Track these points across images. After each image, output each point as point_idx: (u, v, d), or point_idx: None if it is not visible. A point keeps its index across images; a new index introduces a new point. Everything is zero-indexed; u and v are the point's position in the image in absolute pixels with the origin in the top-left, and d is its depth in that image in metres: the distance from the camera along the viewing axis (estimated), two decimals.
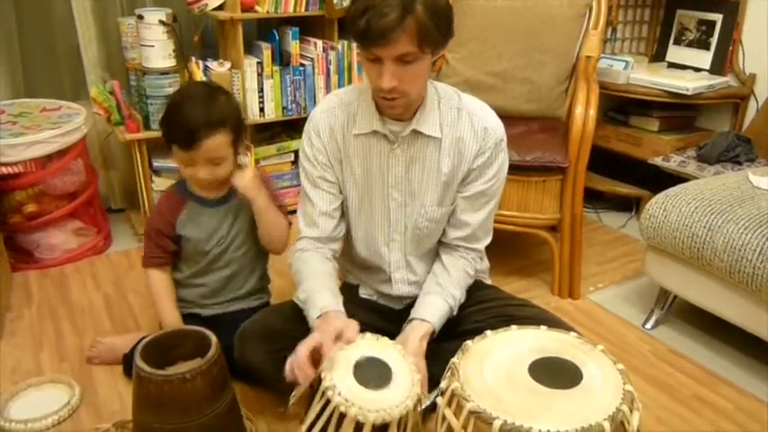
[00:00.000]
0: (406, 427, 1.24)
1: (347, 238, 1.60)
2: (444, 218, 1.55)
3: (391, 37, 1.23)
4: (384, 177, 1.50)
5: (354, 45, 2.76)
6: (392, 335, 1.42)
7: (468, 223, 1.54)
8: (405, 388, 1.24)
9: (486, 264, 1.72)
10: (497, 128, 1.50)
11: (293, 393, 1.36)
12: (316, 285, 1.44)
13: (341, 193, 1.54)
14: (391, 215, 1.53)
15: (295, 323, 1.49)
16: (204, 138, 1.54)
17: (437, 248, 1.62)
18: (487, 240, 1.61)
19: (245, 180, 1.64)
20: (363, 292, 1.67)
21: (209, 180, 1.63)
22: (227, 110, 1.60)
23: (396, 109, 1.40)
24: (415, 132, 1.45)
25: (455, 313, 1.54)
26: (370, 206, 1.54)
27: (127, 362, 1.76)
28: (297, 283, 1.50)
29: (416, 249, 1.58)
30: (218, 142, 1.57)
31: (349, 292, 1.48)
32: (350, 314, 1.40)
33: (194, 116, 1.54)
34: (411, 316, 1.50)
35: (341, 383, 1.20)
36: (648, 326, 2.10)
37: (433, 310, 1.49)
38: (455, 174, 1.49)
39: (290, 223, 1.75)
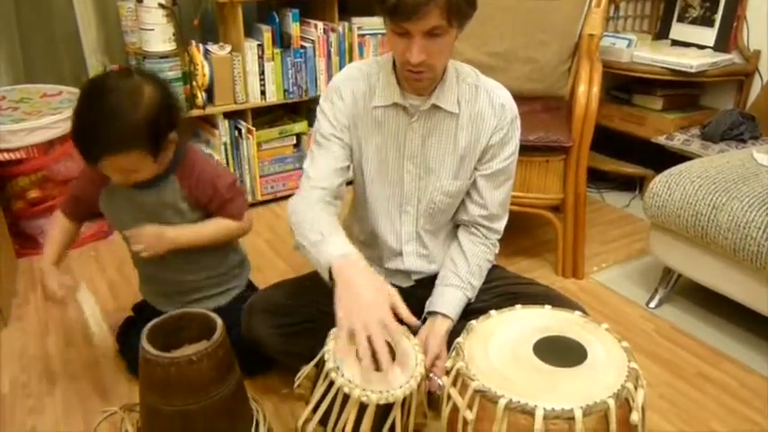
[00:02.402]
0: (411, 407, 1.25)
1: (357, 213, 1.60)
2: (460, 192, 1.56)
3: (422, 11, 1.23)
4: (400, 150, 1.51)
5: (356, 26, 2.75)
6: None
7: (490, 201, 1.55)
8: (408, 368, 1.24)
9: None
10: (513, 105, 1.52)
11: (298, 375, 1.37)
12: (330, 230, 1.37)
13: (350, 158, 1.54)
14: (405, 187, 1.54)
15: (301, 298, 1.52)
16: (105, 160, 1.38)
17: (455, 230, 1.64)
18: (505, 219, 1.62)
19: (147, 245, 1.53)
20: None
21: (126, 186, 1.48)
22: (139, 125, 1.35)
23: (422, 82, 1.40)
24: (434, 107, 1.46)
25: (473, 301, 1.56)
26: (385, 176, 1.54)
27: (119, 337, 1.79)
28: (300, 227, 1.41)
29: (429, 224, 1.59)
30: (123, 162, 1.39)
31: None
32: None
33: (93, 136, 1.34)
34: (433, 308, 1.52)
35: (344, 365, 1.21)
36: (652, 305, 2.10)
37: (454, 303, 1.52)
38: (472, 148, 1.51)
39: (242, 213, 1.65)
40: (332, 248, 1.32)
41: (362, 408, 1.18)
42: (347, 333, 1.19)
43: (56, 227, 1.66)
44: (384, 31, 1.44)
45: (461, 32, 1.36)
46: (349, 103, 1.50)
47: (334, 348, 1.24)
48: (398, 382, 1.20)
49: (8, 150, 2.18)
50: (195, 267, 1.66)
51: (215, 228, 1.62)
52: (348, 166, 1.54)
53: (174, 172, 1.54)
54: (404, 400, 1.21)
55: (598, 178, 2.91)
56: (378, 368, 1.19)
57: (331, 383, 1.21)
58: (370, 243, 1.65)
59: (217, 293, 1.72)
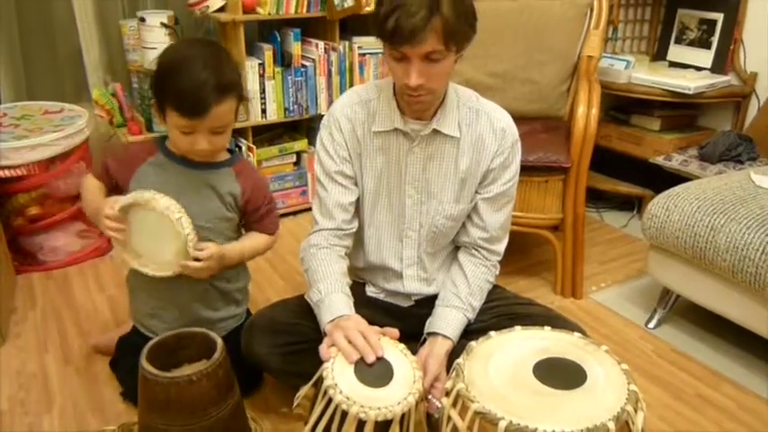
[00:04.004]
0: (409, 425, 1.25)
1: (358, 238, 1.61)
2: (462, 215, 1.57)
3: (420, 36, 1.25)
4: (401, 174, 1.52)
5: (356, 46, 2.77)
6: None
7: (490, 224, 1.56)
8: (407, 385, 1.24)
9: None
10: (514, 129, 1.54)
11: (297, 395, 1.37)
12: (330, 287, 1.44)
13: (356, 186, 1.55)
14: (406, 212, 1.55)
15: (302, 318, 1.52)
16: (214, 105, 1.38)
17: (455, 251, 1.65)
18: (506, 241, 1.63)
19: (209, 267, 1.48)
20: (370, 291, 1.68)
21: (208, 151, 1.46)
22: (236, 72, 1.45)
23: (422, 104, 1.42)
24: (435, 132, 1.47)
25: (472, 322, 1.56)
26: (387, 202, 1.55)
27: (113, 360, 1.79)
28: (308, 280, 1.50)
29: (431, 247, 1.60)
30: (225, 109, 1.42)
31: (356, 291, 1.49)
32: (357, 313, 1.41)
33: (203, 79, 1.36)
34: (433, 329, 1.52)
35: (342, 382, 1.21)
36: (651, 325, 2.10)
37: (454, 324, 1.52)
38: (473, 172, 1.52)
39: (277, 228, 1.67)
40: (325, 315, 1.39)
41: (361, 425, 1.18)
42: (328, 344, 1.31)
43: (88, 187, 1.58)
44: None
45: (462, 54, 1.38)
46: (348, 133, 1.51)
47: (324, 351, 1.28)
48: (397, 399, 1.20)
49: (9, 167, 2.19)
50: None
51: (253, 244, 1.61)
52: (355, 200, 1.55)
53: (231, 165, 1.56)
54: (402, 416, 1.20)
55: (596, 198, 2.93)
56: (367, 363, 1.25)
57: (329, 401, 1.21)
58: (371, 267, 1.65)
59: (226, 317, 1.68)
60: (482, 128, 1.50)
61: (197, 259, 1.45)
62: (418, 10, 1.23)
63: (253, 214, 1.60)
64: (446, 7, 1.25)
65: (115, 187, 1.56)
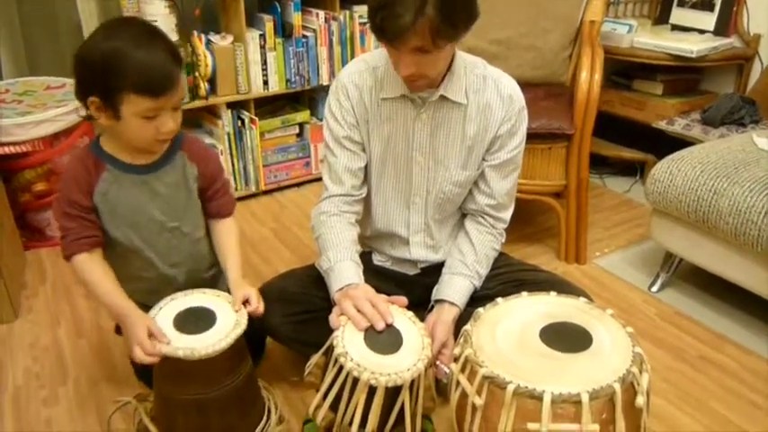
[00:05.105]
0: (419, 391, 1.28)
1: (365, 205, 1.63)
2: (469, 182, 1.58)
3: (405, 36, 1.25)
4: (408, 141, 1.52)
5: (357, 15, 2.76)
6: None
7: (497, 191, 1.57)
8: (415, 351, 1.27)
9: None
10: (520, 96, 1.54)
11: (308, 363, 1.39)
12: (339, 255, 1.46)
13: (364, 152, 1.56)
14: (414, 178, 1.56)
15: (312, 287, 1.55)
16: (178, 77, 1.29)
17: (462, 219, 1.66)
18: (512, 208, 1.65)
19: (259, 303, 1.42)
20: (377, 259, 1.70)
21: (174, 130, 1.34)
22: (177, 50, 1.34)
23: (418, 88, 1.43)
24: (442, 98, 1.47)
25: (479, 289, 1.58)
26: (394, 168, 1.56)
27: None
28: (319, 247, 1.53)
29: (438, 213, 1.61)
30: (182, 79, 1.36)
31: (362, 260, 1.51)
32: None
33: (162, 54, 1.26)
34: (440, 296, 1.54)
35: (353, 350, 1.24)
36: (654, 289, 2.13)
37: (461, 292, 1.54)
38: (480, 138, 1.52)
39: (234, 205, 1.57)
40: (335, 284, 1.43)
41: (372, 391, 1.21)
42: (337, 312, 1.35)
43: (94, 275, 1.37)
44: None
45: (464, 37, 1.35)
46: (356, 99, 1.51)
47: (334, 320, 1.32)
48: (406, 365, 1.23)
49: (14, 144, 2.19)
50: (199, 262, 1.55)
51: (236, 244, 1.53)
52: (364, 166, 1.56)
53: (180, 148, 1.44)
54: (412, 382, 1.23)
55: (599, 163, 2.93)
56: (377, 330, 1.28)
57: (340, 369, 1.23)
58: (378, 234, 1.67)
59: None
60: (489, 94, 1.50)
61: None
62: (404, 12, 1.21)
63: (209, 190, 1.49)
64: (432, 9, 1.22)
65: (92, 214, 1.38)
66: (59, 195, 1.38)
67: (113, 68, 1.23)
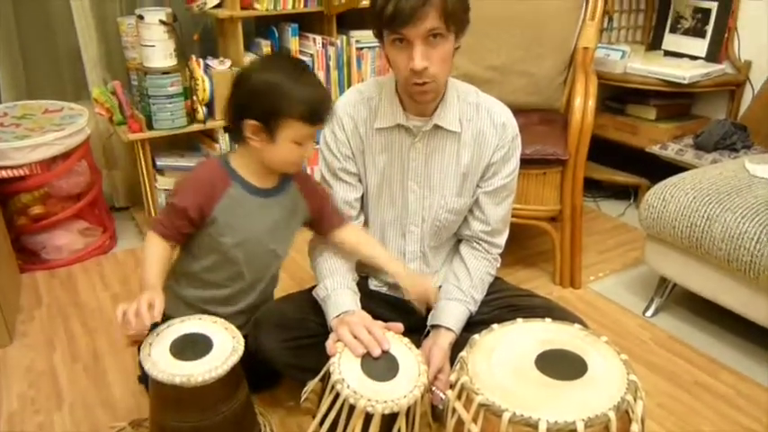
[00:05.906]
0: (415, 417, 1.28)
1: None
2: (464, 209, 1.59)
3: (420, 13, 1.27)
4: (404, 170, 1.54)
5: (353, 40, 2.78)
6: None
7: (491, 217, 1.59)
8: (412, 378, 1.27)
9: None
10: (514, 123, 1.56)
11: (304, 390, 1.39)
12: (336, 283, 1.48)
13: (360, 183, 1.58)
14: (410, 207, 1.58)
15: (309, 313, 1.55)
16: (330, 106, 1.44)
17: (457, 245, 1.67)
18: (506, 234, 1.66)
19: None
20: (373, 284, 1.70)
21: (307, 157, 1.45)
22: None
23: (427, 95, 1.42)
24: (436, 127, 1.49)
25: (474, 314, 1.59)
26: (389, 197, 1.58)
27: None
28: (316, 276, 1.55)
29: (433, 241, 1.62)
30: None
31: (358, 285, 1.52)
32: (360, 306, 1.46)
33: (324, 90, 1.42)
34: (436, 321, 1.55)
35: (349, 376, 1.24)
36: (649, 313, 2.14)
37: (457, 317, 1.55)
38: (474, 166, 1.54)
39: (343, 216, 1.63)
40: (331, 311, 1.45)
41: (368, 418, 1.21)
42: (334, 339, 1.35)
43: (152, 250, 1.42)
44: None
45: (459, 45, 1.39)
46: (350, 131, 1.53)
47: (330, 347, 1.32)
48: (403, 392, 1.23)
49: (11, 167, 2.20)
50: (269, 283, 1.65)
51: (379, 248, 1.61)
52: (360, 196, 1.58)
53: (292, 178, 1.53)
54: (408, 409, 1.23)
55: (593, 187, 2.95)
56: (373, 356, 1.29)
57: (337, 395, 1.23)
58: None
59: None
60: (482, 122, 1.52)
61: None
62: None
63: (320, 217, 1.57)
64: None
65: (186, 225, 1.44)
66: (179, 189, 1.46)
67: (280, 96, 1.34)
